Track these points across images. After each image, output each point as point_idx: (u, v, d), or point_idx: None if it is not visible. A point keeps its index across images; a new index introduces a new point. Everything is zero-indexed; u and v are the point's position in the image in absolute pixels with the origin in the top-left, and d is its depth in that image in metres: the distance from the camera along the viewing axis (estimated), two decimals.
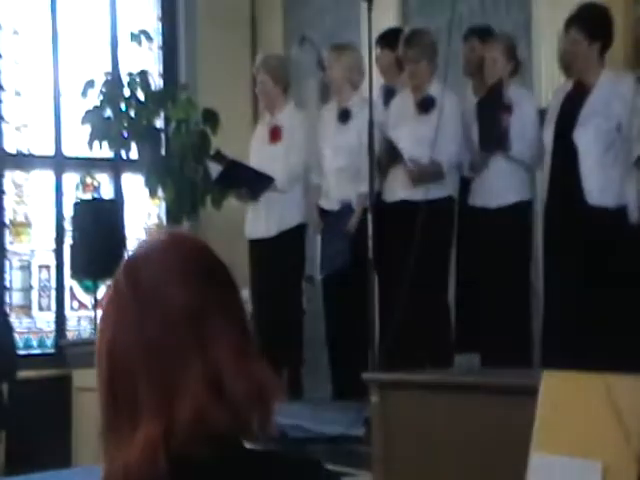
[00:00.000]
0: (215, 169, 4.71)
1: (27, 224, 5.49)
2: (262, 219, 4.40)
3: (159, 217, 5.92)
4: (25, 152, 5.53)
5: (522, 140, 3.73)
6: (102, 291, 5.60)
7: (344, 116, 4.29)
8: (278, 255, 4.23)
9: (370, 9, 3.50)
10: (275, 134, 4.49)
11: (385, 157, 4.00)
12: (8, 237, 5.38)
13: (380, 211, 3.63)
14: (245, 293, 4.11)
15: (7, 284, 5.31)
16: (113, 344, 0.89)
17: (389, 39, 4.28)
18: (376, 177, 3.69)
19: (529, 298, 3.80)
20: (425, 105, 3.95)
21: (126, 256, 0.94)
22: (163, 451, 0.82)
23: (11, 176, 5.45)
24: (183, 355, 0.85)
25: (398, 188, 3.95)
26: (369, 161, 3.51)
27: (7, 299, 5.22)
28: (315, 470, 0.89)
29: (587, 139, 3.46)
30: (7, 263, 5.34)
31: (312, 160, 4.41)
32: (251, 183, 4.38)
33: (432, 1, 4.77)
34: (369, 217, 3.42)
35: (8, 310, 4.89)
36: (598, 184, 3.43)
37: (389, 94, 4.29)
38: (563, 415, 1.62)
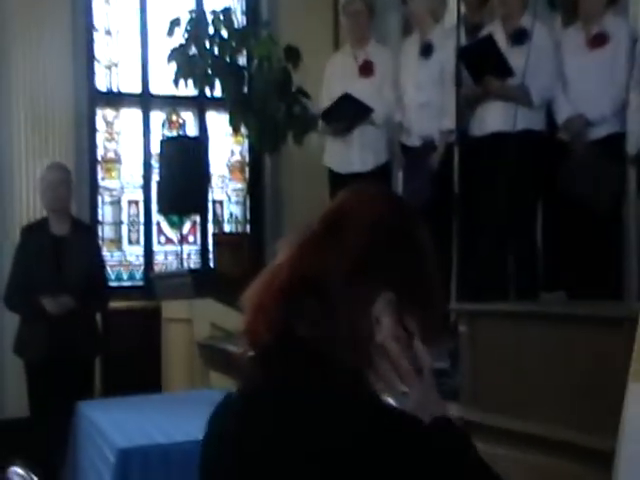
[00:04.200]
0: None
1: (117, 160, 5.67)
2: (356, 153, 4.40)
3: (242, 154, 6.01)
4: (115, 90, 5.69)
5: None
6: (187, 226, 5.77)
7: (426, 50, 4.20)
8: None
9: None
10: (367, 69, 4.45)
11: (474, 90, 3.88)
12: (100, 173, 5.59)
13: (466, 146, 3.57)
14: None
15: (100, 218, 5.55)
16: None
17: None
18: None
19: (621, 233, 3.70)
20: (517, 37, 3.82)
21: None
22: None
23: (102, 113, 5.62)
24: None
25: (489, 121, 3.84)
26: (456, 94, 3.44)
27: (100, 233, 5.44)
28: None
29: None
30: (99, 198, 5.56)
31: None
32: (353, 115, 4.36)
33: None
34: (455, 152, 3.37)
35: (101, 243, 5.08)
36: None
37: (473, 27, 4.17)
38: None
